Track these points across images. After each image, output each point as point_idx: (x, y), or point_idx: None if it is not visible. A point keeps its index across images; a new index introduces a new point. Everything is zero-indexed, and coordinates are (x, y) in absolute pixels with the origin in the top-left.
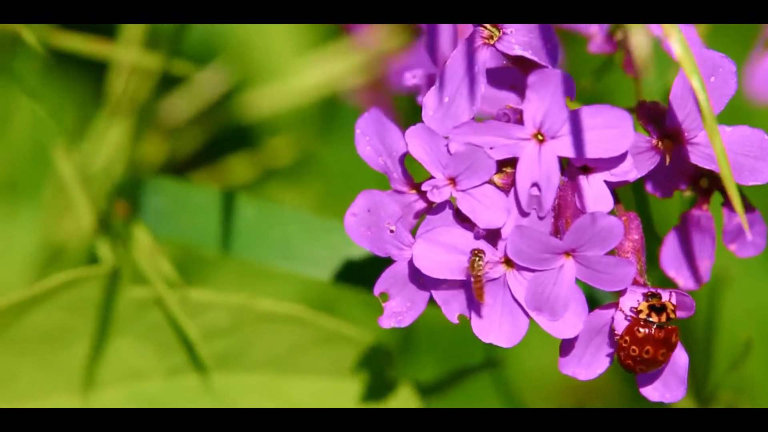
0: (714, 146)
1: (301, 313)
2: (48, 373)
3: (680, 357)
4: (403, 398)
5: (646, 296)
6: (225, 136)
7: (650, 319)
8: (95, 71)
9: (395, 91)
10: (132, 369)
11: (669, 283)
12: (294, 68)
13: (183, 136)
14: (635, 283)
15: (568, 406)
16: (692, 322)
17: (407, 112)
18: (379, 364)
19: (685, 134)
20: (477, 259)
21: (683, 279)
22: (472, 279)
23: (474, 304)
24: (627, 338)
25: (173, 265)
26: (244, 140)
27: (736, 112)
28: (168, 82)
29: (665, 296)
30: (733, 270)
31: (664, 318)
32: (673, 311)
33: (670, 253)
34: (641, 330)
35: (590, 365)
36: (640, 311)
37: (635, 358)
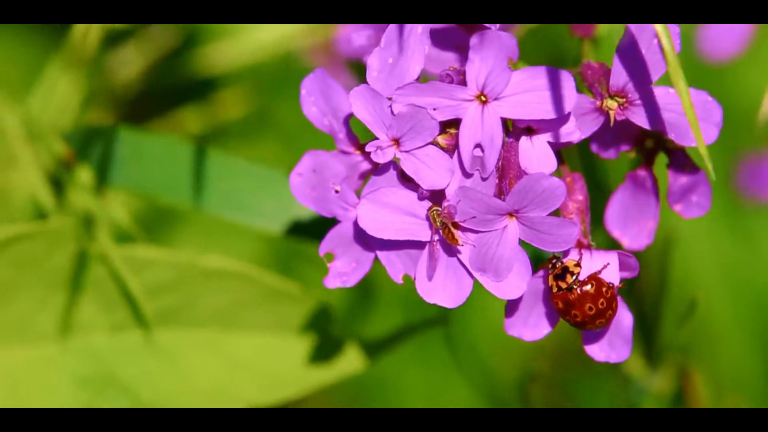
0: (682, 99)
1: (246, 270)
2: None
3: (624, 317)
4: (348, 356)
5: (548, 269)
6: (179, 90)
7: (561, 288)
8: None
9: (346, 52)
10: (75, 324)
11: (615, 244)
12: (249, 25)
13: (136, 88)
14: (579, 244)
15: (525, 364)
16: (646, 282)
17: (362, 73)
18: (323, 321)
19: (629, 95)
20: (434, 212)
21: (628, 239)
22: (440, 230)
23: (419, 264)
24: (556, 311)
25: (135, 217)
26: (199, 95)
27: (689, 72)
28: (121, 35)
29: (572, 256)
30: (701, 228)
31: (570, 279)
32: (576, 265)
33: (614, 214)
34: (559, 303)
35: (536, 326)
36: (551, 287)
37: (573, 324)
